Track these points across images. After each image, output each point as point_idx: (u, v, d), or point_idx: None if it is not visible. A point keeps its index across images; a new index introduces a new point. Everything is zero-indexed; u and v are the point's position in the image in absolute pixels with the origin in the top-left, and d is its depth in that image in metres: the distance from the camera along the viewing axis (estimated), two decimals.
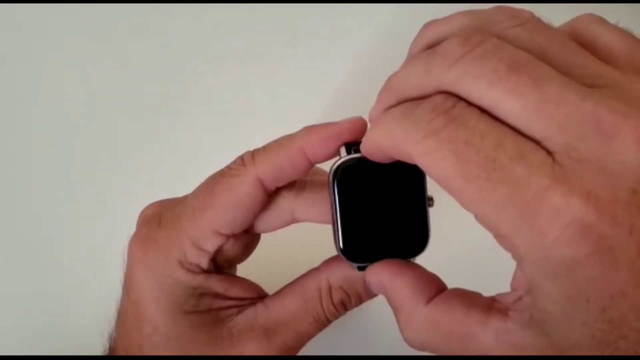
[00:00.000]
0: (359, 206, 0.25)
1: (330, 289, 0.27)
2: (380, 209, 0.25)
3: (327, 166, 0.25)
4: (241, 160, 0.26)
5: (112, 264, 0.29)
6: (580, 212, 0.17)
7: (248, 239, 0.28)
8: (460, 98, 0.19)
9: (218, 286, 0.27)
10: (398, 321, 0.23)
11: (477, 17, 0.21)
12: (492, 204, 0.18)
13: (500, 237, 0.19)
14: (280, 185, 0.26)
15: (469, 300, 0.22)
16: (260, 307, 0.28)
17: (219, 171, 0.26)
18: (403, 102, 0.21)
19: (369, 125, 0.24)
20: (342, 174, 0.24)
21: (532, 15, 0.20)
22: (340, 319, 0.29)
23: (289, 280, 0.28)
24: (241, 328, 0.27)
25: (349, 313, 0.28)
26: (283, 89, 0.44)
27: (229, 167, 0.26)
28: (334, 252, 0.29)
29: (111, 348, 0.29)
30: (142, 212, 0.28)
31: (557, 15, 0.22)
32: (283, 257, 0.35)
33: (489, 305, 0.21)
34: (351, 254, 0.25)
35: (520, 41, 0.19)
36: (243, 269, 0.30)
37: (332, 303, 0.27)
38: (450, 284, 0.24)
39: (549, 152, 0.18)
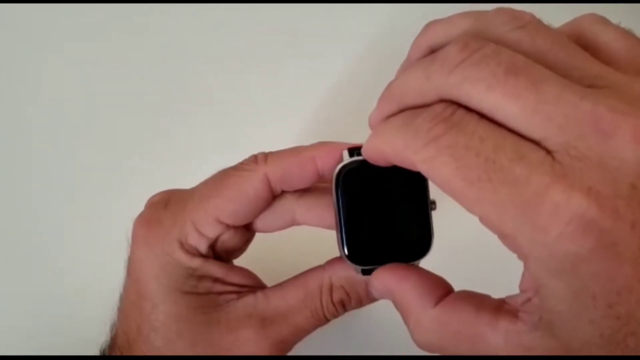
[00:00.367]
0: (362, 209, 0.25)
1: (331, 287, 0.27)
2: (384, 212, 0.25)
3: None
4: (254, 158, 0.27)
5: (113, 262, 0.29)
6: (581, 208, 0.17)
7: (247, 234, 0.28)
8: (460, 105, 0.19)
9: (217, 271, 0.27)
10: (407, 324, 0.24)
11: (477, 19, 0.21)
12: (494, 205, 0.18)
13: (504, 238, 0.19)
14: (286, 189, 0.27)
15: (478, 301, 0.22)
16: (260, 296, 0.28)
17: (232, 165, 0.27)
18: (403, 110, 0.21)
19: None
20: (345, 177, 0.25)
21: (532, 17, 0.20)
22: (341, 319, 0.29)
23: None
24: (239, 314, 0.27)
25: (349, 313, 0.28)
26: (283, 88, 0.44)
27: (241, 163, 0.27)
28: (335, 253, 0.29)
29: (113, 337, 0.29)
30: (151, 198, 0.29)
31: (557, 16, 0.22)
32: (284, 258, 0.35)
33: (498, 307, 0.21)
34: (355, 256, 0.25)
35: (520, 44, 0.19)
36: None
37: (332, 301, 0.27)
38: (455, 286, 0.24)
39: (549, 152, 0.18)
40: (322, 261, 0.28)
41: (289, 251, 0.35)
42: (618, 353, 0.18)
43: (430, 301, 0.23)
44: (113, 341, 0.29)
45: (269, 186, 0.26)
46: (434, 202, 0.25)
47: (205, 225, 0.26)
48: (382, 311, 0.28)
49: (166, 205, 0.28)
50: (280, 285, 0.28)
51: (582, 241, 0.17)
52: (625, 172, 0.17)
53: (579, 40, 0.20)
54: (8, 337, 0.38)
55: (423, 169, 0.19)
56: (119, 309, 0.29)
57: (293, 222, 0.27)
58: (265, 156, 0.27)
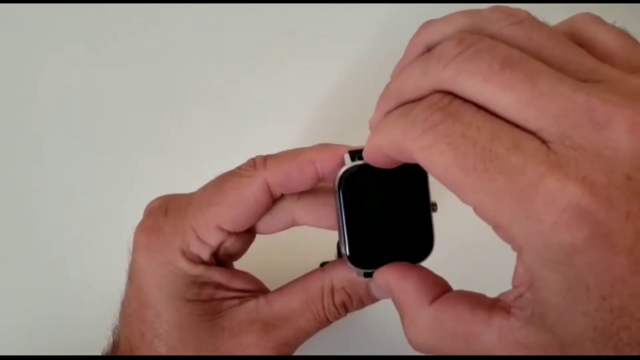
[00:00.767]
0: (364, 213, 0.25)
1: (332, 290, 0.27)
2: (385, 215, 0.25)
3: None
4: (253, 163, 0.26)
5: (114, 263, 0.29)
6: (576, 197, 0.17)
7: (248, 238, 0.28)
8: (456, 96, 0.19)
9: (219, 277, 0.27)
10: (403, 322, 0.24)
11: (473, 16, 0.21)
12: (490, 194, 0.18)
13: (499, 229, 0.19)
14: (286, 192, 0.26)
15: (473, 300, 0.22)
16: (262, 300, 0.28)
17: (230, 170, 0.27)
18: (401, 105, 0.21)
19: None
20: (347, 181, 0.25)
21: (528, 14, 0.20)
22: (342, 319, 0.29)
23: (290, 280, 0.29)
24: (241, 319, 0.27)
25: (349, 313, 0.28)
26: (283, 88, 0.44)
27: (239, 168, 0.27)
28: (333, 253, 0.29)
29: (115, 341, 0.29)
30: (149, 204, 0.29)
31: (556, 16, 0.22)
32: (285, 258, 0.35)
33: (492, 305, 0.21)
34: (357, 259, 0.25)
35: (516, 40, 0.20)
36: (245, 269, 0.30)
37: (333, 303, 0.27)
38: (454, 287, 0.24)
39: (544, 142, 0.18)
40: (321, 257, 0.28)
41: (286, 252, 0.35)
42: (611, 347, 0.18)
43: (426, 300, 0.23)
44: (115, 345, 0.29)
45: (268, 191, 0.26)
46: (435, 204, 0.25)
47: (207, 233, 0.26)
48: (382, 312, 0.29)
49: (166, 213, 0.27)
50: (281, 289, 0.28)
51: (577, 231, 0.17)
52: (620, 162, 0.17)
53: (575, 38, 0.21)
54: (8, 337, 0.38)
55: (420, 158, 0.19)
56: (121, 314, 0.29)
57: (293, 223, 0.27)
58: (264, 160, 0.26)
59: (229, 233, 0.27)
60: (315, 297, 0.27)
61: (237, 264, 0.30)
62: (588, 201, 0.17)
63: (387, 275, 0.25)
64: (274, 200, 0.27)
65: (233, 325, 0.27)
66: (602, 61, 0.19)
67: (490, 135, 0.18)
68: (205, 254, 0.27)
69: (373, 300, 0.28)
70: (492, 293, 0.22)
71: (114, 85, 0.44)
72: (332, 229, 0.26)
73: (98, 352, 0.30)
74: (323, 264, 0.37)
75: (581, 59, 0.19)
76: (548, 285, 0.18)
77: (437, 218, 0.26)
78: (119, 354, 0.28)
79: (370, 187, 0.25)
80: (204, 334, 0.27)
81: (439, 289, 0.23)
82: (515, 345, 0.20)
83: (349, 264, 0.26)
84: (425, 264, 0.26)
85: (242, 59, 0.45)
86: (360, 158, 0.24)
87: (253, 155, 0.27)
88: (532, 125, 0.18)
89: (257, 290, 0.29)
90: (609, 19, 0.21)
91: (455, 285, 0.24)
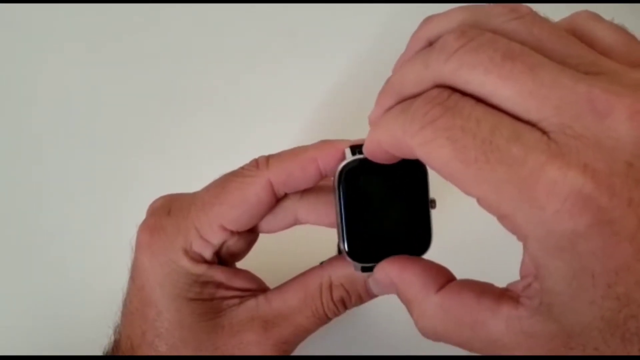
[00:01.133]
0: (363, 207, 0.25)
1: (331, 286, 0.27)
2: (384, 210, 0.25)
3: None
4: (255, 163, 0.27)
5: (114, 262, 0.29)
6: (577, 184, 0.17)
7: (251, 237, 0.28)
8: (455, 90, 0.19)
9: (221, 276, 0.27)
10: (411, 312, 0.24)
11: (475, 12, 0.21)
12: (492, 185, 0.18)
13: (503, 218, 0.19)
14: (289, 191, 0.27)
15: (480, 289, 0.22)
16: (261, 299, 0.28)
17: (233, 171, 0.27)
18: (402, 101, 0.21)
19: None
20: (347, 176, 0.25)
21: (529, 9, 0.21)
22: (341, 318, 0.29)
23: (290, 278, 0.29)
24: (241, 318, 0.27)
25: (349, 312, 0.28)
26: (283, 88, 0.44)
27: (242, 168, 0.27)
28: (333, 252, 0.29)
29: (116, 340, 0.29)
30: (152, 204, 0.29)
31: (556, 15, 0.22)
32: (285, 258, 0.35)
33: (501, 294, 0.21)
34: (355, 254, 0.25)
35: (517, 34, 0.20)
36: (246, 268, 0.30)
37: (332, 300, 0.27)
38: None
39: (545, 132, 0.18)
40: (321, 255, 0.28)
41: (287, 251, 0.35)
42: (618, 337, 0.18)
43: (432, 288, 0.23)
44: (116, 344, 0.29)
45: (272, 191, 0.26)
46: (433, 201, 0.26)
47: (210, 233, 0.26)
48: (382, 311, 0.29)
49: (169, 212, 0.28)
50: (280, 286, 0.28)
51: (580, 218, 0.17)
52: (621, 150, 0.17)
53: (575, 34, 0.21)
54: (8, 337, 0.38)
55: (421, 154, 0.19)
56: (122, 313, 0.29)
57: (295, 222, 0.27)
58: (267, 160, 0.26)
59: (232, 232, 0.27)
60: (314, 294, 0.27)
61: (238, 263, 0.30)
62: (590, 188, 0.17)
63: (389, 269, 0.25)
64: (277, 199, 0.27)
65: (233, 324, 0.27)
66: (603, 55, 0.20)
67: (490, 127, 0.18)
68: (208, 253, 0.27)
69: (371, 296, 0.28)
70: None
71: (114, 85, 0.44)
72: (334, 227, 0.26)
73: (98, 352, 0.30)
74: (323, 264, 0.37)
75: (582, 52, 0.19)
76: (553, 273, 0.18)
77: (435, 215, 0.26)
78: (120, 352, 0.28)
79: (370, 181, 0.25)
80: (204, 333, 0.27)
81: (443, 277, 0.23)
82: (522, 334, 0.20)
83: (347, 258, 0.26)
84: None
85: (242, 59, 0.45)
86: (361, 152, 0.24)
87: (253, 155, 0.27)
88: (533, 116, 0.18)
89: (258, 289, 0.29)
90: (608, 18, 0.21)
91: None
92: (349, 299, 0.28)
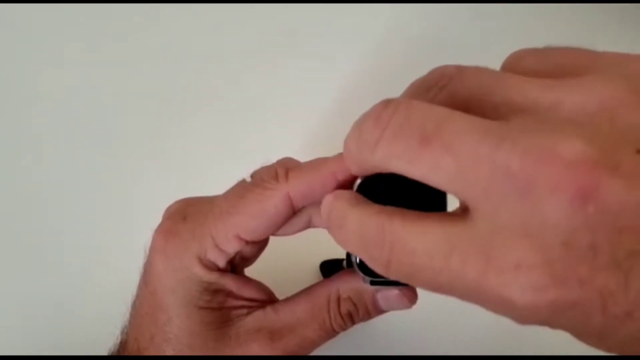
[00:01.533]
0: None
1: (339, 299, 0.27)
2: None
3: None
4: (275, 174, 0.26)
5: (116, 262, 0.29)
6: (515, 295, 0.16)
7: (263, 243, 0.29)
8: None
9: (232, 285, 0.28)
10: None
11: (417, 88, 0.21)
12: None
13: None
14: (307, 204, 0.26)
15: None
16: (269, 310, 0.28)
17: (252, 181, 0.27)
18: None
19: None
20: (362, 187, 0.25)
21: (455, 69, 0.20)
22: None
23: (296, 284, 0.29)
24: (248, 329, 0.27)
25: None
26: (282, 88, 0.44)
27: (262, 179, 0.26)
28: (334, 252, 0.29)
29: (122, 341, 0.29)
30: (168, 207, 0.29)
31: (557, 15, 0.22)
32: (285, 257, 0.35)
33: None
34: (366, 267, 0.25)
35: (445, 102, 0.19)
36: (251, 272, 0.30)
37: (339, 313, 0.27)
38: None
39: (479, 221, 0.17)
40: (321, 260, 0.28)
41: (287, 251, 0.35)
42: None
43: None
44: (122, 345, 0.29)
45: (290, 204, 0.26)
46: None
47: (225, 242, 0.26)
48: (385, 316, 0.28)
49: (185, 217, 0.28)
50: (288, 298, 0.29)
51: (539, 316, 0.16)
52: (552, 231, 0.15)
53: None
54: (8, 337, 0.38)
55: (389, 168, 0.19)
56: (131, 315, 0.29)
57: (309, 225, 0.27)
58: (286, 173, 0.26)
59: (247, 242, 0.27)
60: (322, 306, 0.27)
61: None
62: (529, 297, 0.15)
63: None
64: (295, 212, 0.27)
65: (240, 333, 0.27)
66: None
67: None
68: (222, 262, 0.27)
69: (379, 311, 0.28)
70: None
71: (114, 85, 0.44)
72: None
73: (99, 352, 0.30)
74: (323, 264, 0.37)
75: (505, 86, 0.18)
76: None
77: None
78: (126, 353, 0.28)
79: (387, 194, 0.25)
80: (211, 341, 0.27)
81: None
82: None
83: (358, 271, 0.25)
84: None
85: (242, 59, 0.45)
86: None
87: (253, 155, 0.27)
88: (469, 201, 0.17)
89: (267, 300, 0.29)
90: (612, 19, 0.21)
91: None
92: (356, 313, 0.28)
